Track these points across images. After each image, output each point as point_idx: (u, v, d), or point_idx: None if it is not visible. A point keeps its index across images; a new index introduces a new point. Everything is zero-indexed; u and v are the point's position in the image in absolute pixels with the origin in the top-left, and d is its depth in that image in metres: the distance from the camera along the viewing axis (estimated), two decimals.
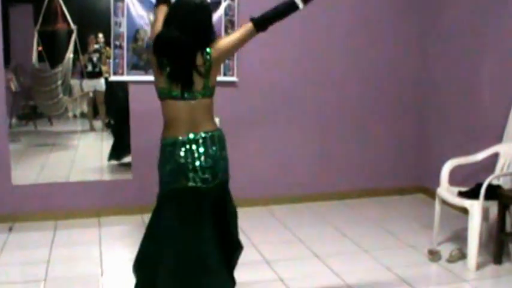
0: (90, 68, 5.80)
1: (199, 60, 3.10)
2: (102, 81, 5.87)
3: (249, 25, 3.19)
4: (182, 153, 3.16)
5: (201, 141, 3.17)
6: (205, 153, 3.16)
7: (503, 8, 5.19)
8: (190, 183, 3.15)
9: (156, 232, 3.34)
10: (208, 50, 3.12)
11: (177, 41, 3.04)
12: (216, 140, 3.22)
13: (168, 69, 3.11)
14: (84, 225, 5.39)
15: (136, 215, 5.63)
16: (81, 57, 5.75)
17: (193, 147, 3.16)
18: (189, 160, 3.14)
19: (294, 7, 3.23)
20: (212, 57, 3.12)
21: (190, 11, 3.12)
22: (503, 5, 5.19)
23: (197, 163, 3.14)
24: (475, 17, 5.56)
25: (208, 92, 3.19)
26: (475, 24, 5.56)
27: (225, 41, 3.21)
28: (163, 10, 3.26)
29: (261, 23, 3.19)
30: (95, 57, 5.80)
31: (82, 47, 5.70)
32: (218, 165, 3.21)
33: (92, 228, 5.34)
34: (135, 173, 5.70)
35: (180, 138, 3.17)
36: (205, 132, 3.18)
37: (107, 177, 5.77)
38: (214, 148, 3.20)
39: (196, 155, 3.15)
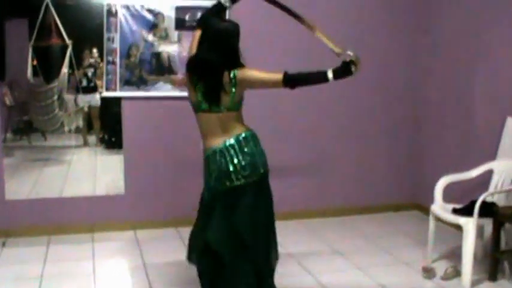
0: (85, 83, 5.79)
1: (225, 79, 3.42)
2: (97, 96, 5.87)
3: (280, 76, 3.40)
4: (222, 160, 3.52)
5: (236, 145, 3.51)
6: (242, 152, 3.51)
7: (496, 24, 5.20)
8: (235, 183, 3.52)
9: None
10: (235, 71, 3.43)
11: (207, 61, 3.46)
12: (249, 139, 3.57)
13: (198, 85, 3.50)
14: (77, 241, 5.38)
15: (129, 231, 5.62)
16: (76, 72, 5.73)
17: (231, 152, 3.51)
18: (230, 164, 3.50)
19: (325, 79, 3.63)
20: (237, 78, 3.42)
21: (219, 35, 3.50)
22: (495, 20, 5.21)
23: (237, 163, 3.50)
24: (467, 33, 5.58)
25: (234, 106, 3.50)
26: (468, 40, 5.58)
27: (252, 72, 3.48)
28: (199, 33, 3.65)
29: (291, 81, 3.44)
30: (89, 72, 5.80)
31: (77, 62, 5.69)
32: (256, 160, 3.56)
33: (85, 243, 5.32)
34: (127, 189, 5.68)
35: (216, 147, 3.54)
36: (237, 136, 3.52)
37: (99, 192, 5.75)
38: (248, 147, 3.54)
39: (235, 158, 3.50)
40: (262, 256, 3.71)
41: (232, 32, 3.55)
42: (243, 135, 3.55)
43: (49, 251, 5.12)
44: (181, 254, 5.00)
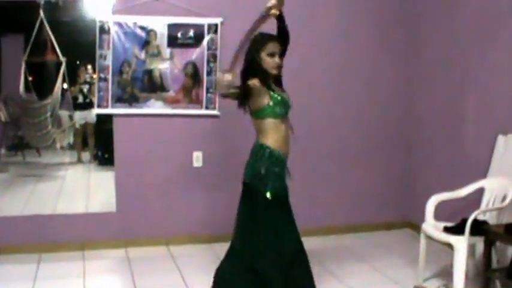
0: (81, 99, 5.78)
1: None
2: (93, 112, 5.85)
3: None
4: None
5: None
6: None
7: (486, 44, 5.21)
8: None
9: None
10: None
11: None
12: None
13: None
14: (68, 259, 5.35)
15: (120, 249, 5.60)
16: (71, 88, 5.73)
17: None
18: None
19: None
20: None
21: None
22: (486, 41, 5.22)
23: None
24: (458, 53, 5.59)
25: (254, 115, 3.89)
26: (459, 61, 5.59)
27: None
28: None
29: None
30: (85, 89, 5.79)
31: (72, 78, 5.69)
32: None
33: (76, 261, 5.29)
34: (118, 206, 5.66)
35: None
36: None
37: (92, 209, 5.73)
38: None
39: None
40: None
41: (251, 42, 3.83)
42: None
43: (39, 268, 5.09)
44: (172, 273, 5.02)
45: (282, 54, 3.89)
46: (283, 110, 3.84)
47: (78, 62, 5.64)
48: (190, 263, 5.25)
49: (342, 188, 6.26)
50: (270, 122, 3.82)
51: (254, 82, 3.71)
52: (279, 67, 3.85)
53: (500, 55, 5.07)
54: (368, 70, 6.21)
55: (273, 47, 3.81)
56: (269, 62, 3.80)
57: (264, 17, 3.80)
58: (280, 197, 3.94)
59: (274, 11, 3.76)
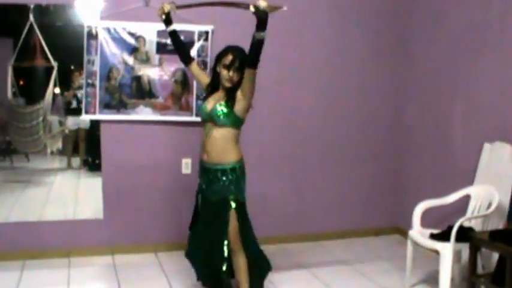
0: (74, 104, 5.75)
1: None
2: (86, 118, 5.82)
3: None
4: None
5: None
6: None
7: (475, 54, 5.26)
8: None
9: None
10: None
11: None
12: None
13: None
14: (53, 266, 5.31)
15: (107, 256, 5.57)
16: (65, 93, 5.70)
17: None
18: None
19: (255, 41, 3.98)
20: None
21: None
22: (474, 50, 5.26)
23: None
24: (447, 62, 5.64)
25: None
26: (447, 70, 5.64)
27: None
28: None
29: None
30: (79, 94, 5.77)
31: (65, 83, 5.65)
32: None
33: (61, 269, 5.25)
34: (106, 213, 5.65)
35: None
36: None
37: (80, 216, 5.70)
38: None
39: None
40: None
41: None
42: None
43: (23, 276, 5.05)
44: (159, 280, 5.00)
45: (240, 68, 4.02)
46: (202, 114, 4.19)
47: (72, 67, 5.59)
48: (178, 270, 5.21)
49: (331, 193, 6.27)
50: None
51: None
52: (231, 80, 4.03)
53: (487, 64, 5.11)
54: (357, 78, 6.23)
55: (228, 59, 4.03)
56: (223, 74, 4.06)
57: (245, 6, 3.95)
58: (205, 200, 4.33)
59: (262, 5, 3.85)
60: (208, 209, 4.27)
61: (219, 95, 4.12)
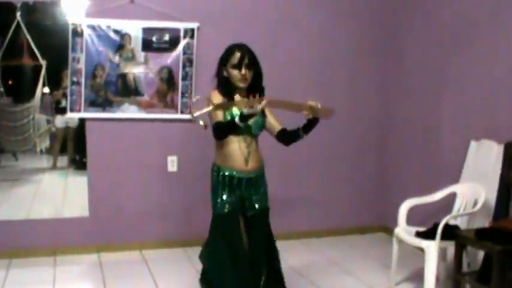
0: (64, 103, 5.72)
1: None
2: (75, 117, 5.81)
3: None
4: None
5: None
6: None
7: (463, 52, 5.25)
8: None
9: None
10: None
11: None
12: None
13: None
14: (39, 264, 5.30)
15: (92, 254, 5.56)
16: (54, 92, 5.67)
17: None
18: None
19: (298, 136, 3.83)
20: None
21: None
22: (463, 48, 5.26)
23: None
24: (436, 59, 5.63)
25: None
26: (435, 66, 5.63)
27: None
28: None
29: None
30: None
31: (56, 82, 5.62)
32: None
33: (47, 267, 5.24)
34: (91, 211, 5.63)
35: None
36: None
37: (67, 214, 5.68)
38: None
39: None
40: None
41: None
42: None
43: (8, 274, 5.03)
44: (145, 278, 4.99)
45: (252, 64, 3.69)
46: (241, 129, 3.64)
47: (61, 66, 5.55)
48: (164, 268, 5.22)
49: (317, 191, 6.26)
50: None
51: (215, 101, 3.62)
52: (245, 79, 3.67)
53: (475, 63, 5.11)
54: (345, 75, 6.23)
55: (236, 57, 3.65)
56: (234, 74, 3.67)
57: (298, 106, 3.65)
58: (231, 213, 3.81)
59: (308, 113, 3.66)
60: (247, 222, 3.85)
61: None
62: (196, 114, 3.45)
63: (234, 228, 3.79)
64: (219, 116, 3.62)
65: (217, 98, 3.67)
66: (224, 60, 3.71)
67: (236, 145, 3.72)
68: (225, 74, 3.71)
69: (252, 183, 3.82)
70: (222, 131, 3.61)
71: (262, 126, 3.84)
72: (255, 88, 3.71)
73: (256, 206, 3.85)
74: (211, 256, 3.91)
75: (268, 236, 4.00)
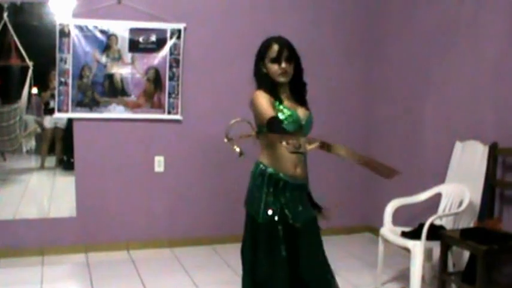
0: (52, 104, 5.71)
1: None
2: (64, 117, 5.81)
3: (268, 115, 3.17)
4: None
5: None
6: None
7: (447, 52, 5.28)
8: None
9: None
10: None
11: None
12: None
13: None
14: (27, 264, 5.29)
15: (80, 254, 5.56)
16: (42, 93, 5.67)
17: None
18: None
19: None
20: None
21: None
22: (446, 49, 5.29)
23: None
24: (419, 60, 5.66)
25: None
26: (419, 66, 5.66)
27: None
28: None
29: (271, 125, 3.16)
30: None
31: (44, 83, 5.62)
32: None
33: (35, 267, 5.23)
34: (79, 211, 5.63)
35: None
36: None
37: (54, 214, 5.67)
38: None
39: None
40: None
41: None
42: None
43: None
44: (132, 278, 4.99)
45: (292, 57, 3.39)
46: (291, 126, 3.32)
47: (48, 67, 5.54)
48: (151, 268, 5.23)
49: None
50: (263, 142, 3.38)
51: (261, 100, 3.27)
52: (286, 73, 3.34)
53: (459, 63, 5.14)
54: (328, 75, 6.22)
55: (274, 51, 3.34)
56: (274, 70, 3.34)
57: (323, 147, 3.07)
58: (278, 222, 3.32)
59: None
60: (297, 235, 3.39)
61: (289, 103, 3.42)
62: (233, 139, 3.05)
63: (275, 238, 3.32)
64: (272, 112, 3.20)
65: (264, 96, 3.27)
66: (261, 55, 3.39)
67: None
68: (264, 70, 3.37)
69: (299, 192, 3.47)
70: (278, 129, 3.15)
71: (312, 124, 3.59)
72: (297, 84, 3.49)
73: (303, 215, 3.43)
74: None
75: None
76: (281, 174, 3.34)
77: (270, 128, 3.11)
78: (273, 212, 3.30)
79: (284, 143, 2.89)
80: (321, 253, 3.59)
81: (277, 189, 3.34)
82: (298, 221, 3.36)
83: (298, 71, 3.45)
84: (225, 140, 3.02)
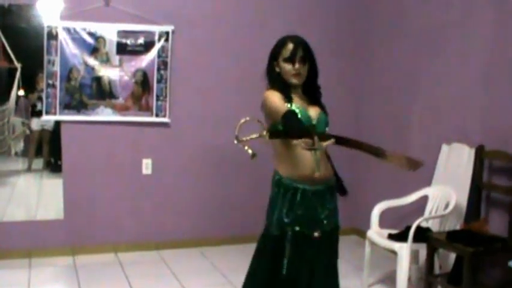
0: (39, 106, 5.70)
1: None
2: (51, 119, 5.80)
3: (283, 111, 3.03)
4: None
5: None
6: None
7: (434, 55, 5.31)
8: None
9: None
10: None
11: None
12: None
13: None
14: (14, 266, 5.27)
15: (67, 256, 5.54)
16: (29, 96, 5.65)
17: None
18: None
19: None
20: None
21: None
22: (434, 51, 5.32)
23: None
24: (407, 62, 5.69)
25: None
26: (406, 69, 5.68)
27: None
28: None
29: (286, 119, 3.00)
30: (44, 96, 5.73)
31: (31, 85, 5.61)
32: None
33: (22, 269, 5.22)
34: (66, 213, 5.62)
35: None
36: None
37: (41, 217, 5.66)
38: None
39: None
40: None
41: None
42: None
43: None
44: (119, 281, 4.99)
45: (307, 58, 3.23)
46: None
47: (36, 70, 5.53)
48: (138, 270, 5.23)
49: None
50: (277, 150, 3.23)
51: (273, 98, 3.15)
52: (299, 74, 3.19)
53: (447, 66, 5.17)
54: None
55: (288, 50, 3.18)
56: (287, 69, 3.19)
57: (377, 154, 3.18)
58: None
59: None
60: (313, 245, 3.22)
61: (300, 101, 3.26)
62: (244, 139, 2.83)
63: (280, 256, 3.15)
64: (285, 107, 3.07)
65: (276, 95, 3.13)
66: (275, 54, 3.24)
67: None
68: (277, 69, 3.23)
69: (320, 197, 3.23)
70: (295, 121, 3.02)
71: (326, 124, 3.40)
72: (311, 86, 3.35)
73: (325, 222, 3.25)
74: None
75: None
76: (298, 184, 3.15)
77: (286, 122, 2.95)
78: (285, 227, 3.14)
79: (299, 140, 2.76)
80: (334, 264, 3.49)
81: (294, 201, 3.15)
82: (317, 230, 3.19)
83: (312, 73, 3.31)
84: (235, 142, 2.82)
